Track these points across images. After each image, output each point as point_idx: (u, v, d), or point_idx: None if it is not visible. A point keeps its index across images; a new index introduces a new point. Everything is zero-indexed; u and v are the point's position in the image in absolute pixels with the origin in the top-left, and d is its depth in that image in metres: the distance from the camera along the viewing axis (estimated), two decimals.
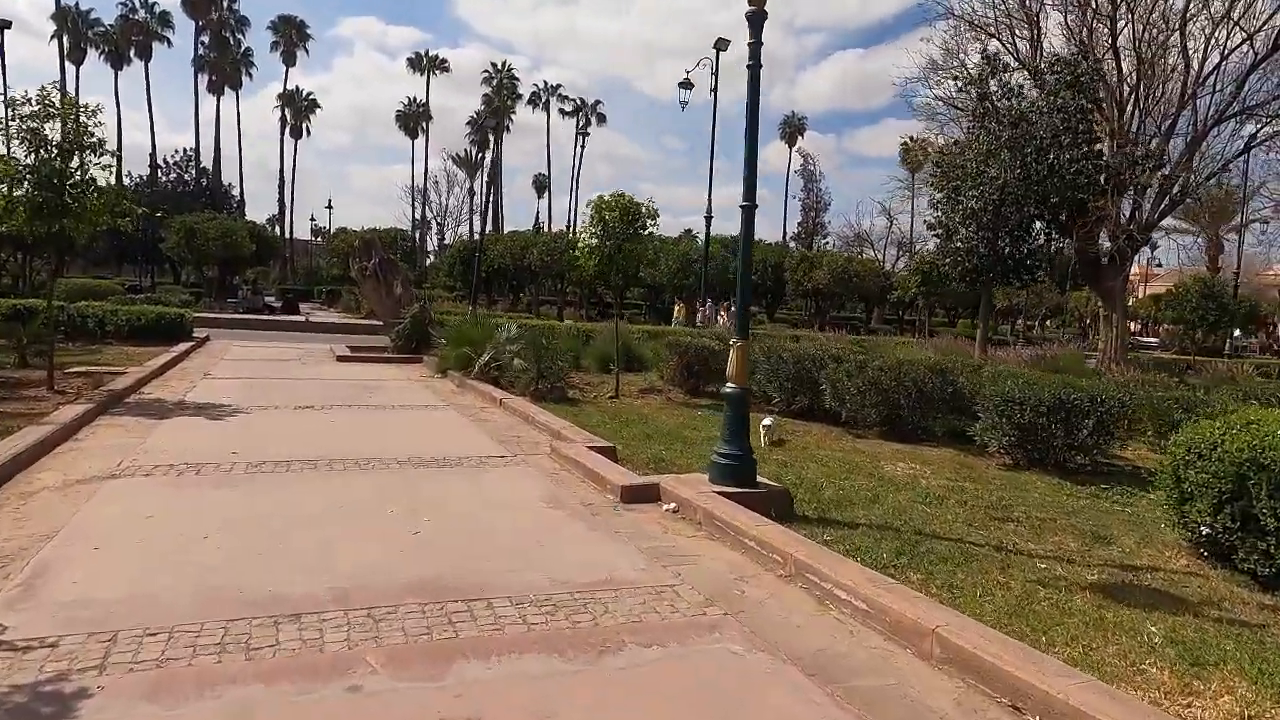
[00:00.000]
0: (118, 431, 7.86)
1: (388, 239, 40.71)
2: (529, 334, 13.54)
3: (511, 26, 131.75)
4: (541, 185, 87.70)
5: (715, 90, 23.58)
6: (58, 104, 9.57)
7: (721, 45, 23.51)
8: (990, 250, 18.04)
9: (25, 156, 9.63)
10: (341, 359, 16.42)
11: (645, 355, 16.14)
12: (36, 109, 9.57)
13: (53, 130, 9.68)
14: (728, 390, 6.31)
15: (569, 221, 74.21)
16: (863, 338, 26.15)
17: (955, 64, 20.06)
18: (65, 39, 62.85)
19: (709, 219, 26.33)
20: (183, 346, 16.19)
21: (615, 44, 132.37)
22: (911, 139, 72.04)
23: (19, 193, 9.39)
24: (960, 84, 18.94)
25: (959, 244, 18.51)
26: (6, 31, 30.37)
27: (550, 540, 5.14)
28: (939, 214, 19.15)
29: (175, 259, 38.63)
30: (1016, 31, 19.94)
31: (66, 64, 62.51)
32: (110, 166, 11.04)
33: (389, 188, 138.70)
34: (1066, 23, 19.44)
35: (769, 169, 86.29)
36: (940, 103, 20.98)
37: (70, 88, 63.63)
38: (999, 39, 19.81)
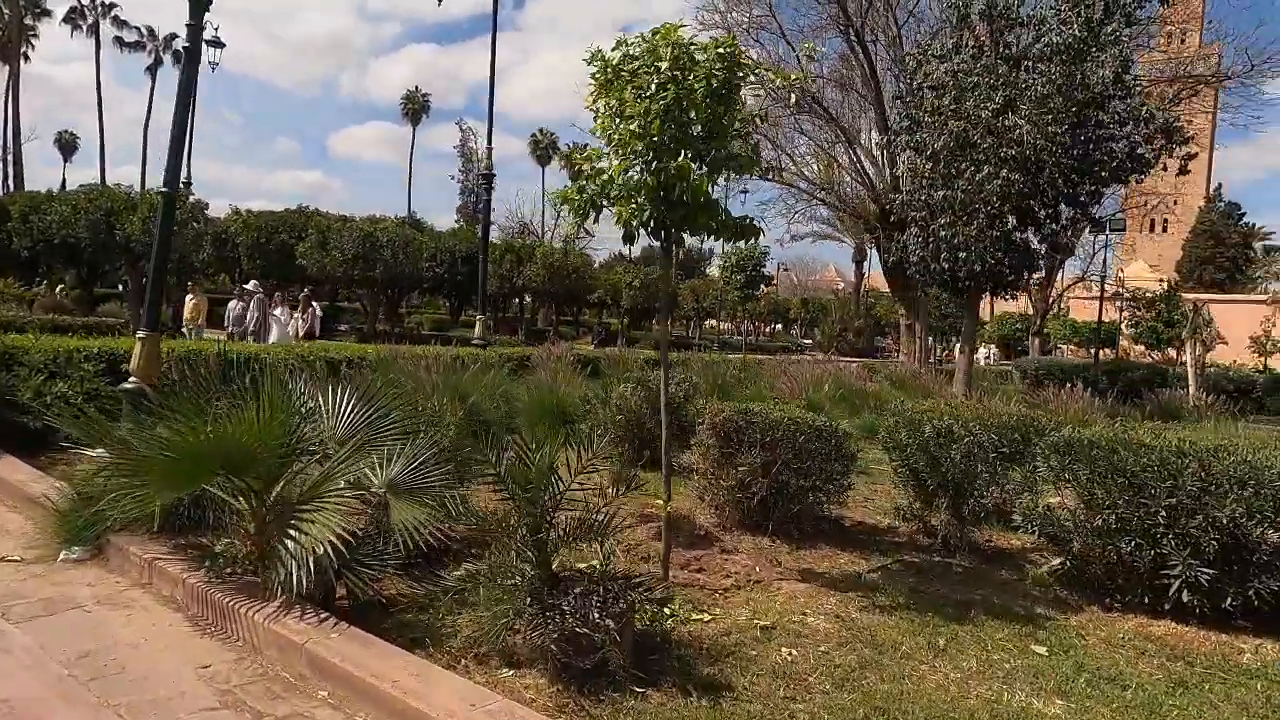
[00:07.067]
0: None
1: None
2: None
3: None
4: (69, 145, 66.05)
5: None
6: None
7: None
8: (1006, 242, 12.50)
9: None
10: None
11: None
12: None
13: None
14: None
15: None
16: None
17: None
18: None
19: None
20: None
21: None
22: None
23: None
24: None
25: (949, 233, 12.61)
26: None
27: None
28: (926, 187, 12.97)
29: None
30: None
31: None
32: None
33: None
34: None
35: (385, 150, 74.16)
36: None
37: None
38: None
